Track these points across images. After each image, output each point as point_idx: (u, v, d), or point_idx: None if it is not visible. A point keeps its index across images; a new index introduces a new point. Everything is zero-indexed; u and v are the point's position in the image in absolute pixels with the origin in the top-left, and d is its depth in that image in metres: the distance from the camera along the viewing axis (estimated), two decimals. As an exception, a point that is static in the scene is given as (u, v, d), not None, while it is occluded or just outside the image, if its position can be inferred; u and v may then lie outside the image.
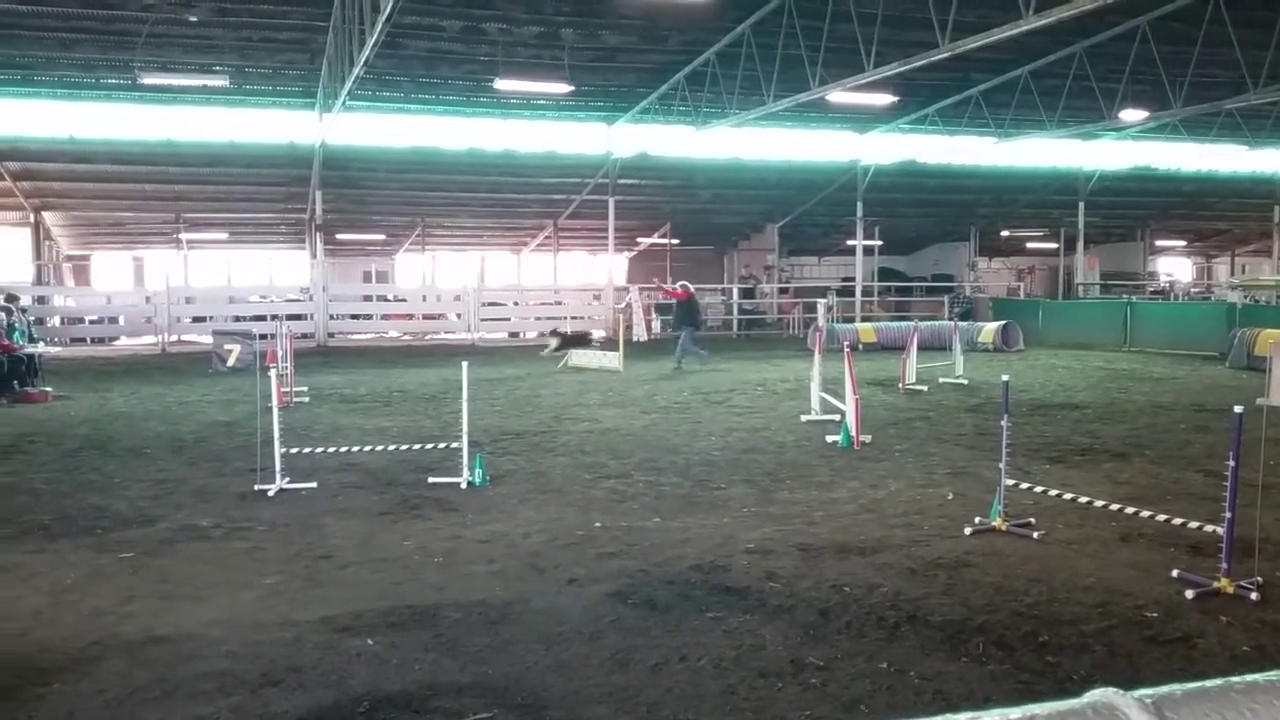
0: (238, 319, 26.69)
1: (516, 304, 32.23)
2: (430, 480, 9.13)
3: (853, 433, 11.15)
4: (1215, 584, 6.09)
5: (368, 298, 32.81)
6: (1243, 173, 35.92)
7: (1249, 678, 0.71)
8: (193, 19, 20.76)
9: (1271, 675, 0.72)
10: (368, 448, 10.23)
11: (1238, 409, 6.20)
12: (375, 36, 16.68)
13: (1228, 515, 6.22)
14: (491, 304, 30.69)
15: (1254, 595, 5.97)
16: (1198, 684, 0.71)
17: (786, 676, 4.78)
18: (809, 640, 5.24)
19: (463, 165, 29.65)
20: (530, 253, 38.86)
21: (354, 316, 30.36)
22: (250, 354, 18.29)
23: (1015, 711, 0.67)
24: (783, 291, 36.52)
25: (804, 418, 12.98)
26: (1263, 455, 7.15)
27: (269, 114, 26.54)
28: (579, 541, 7.20)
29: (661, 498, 8.67)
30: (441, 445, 9.80)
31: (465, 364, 9.45)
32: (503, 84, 23.23)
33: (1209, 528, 6.57)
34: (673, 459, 10.41)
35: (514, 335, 30.36)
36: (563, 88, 23.72)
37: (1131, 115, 25.67)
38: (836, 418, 11.95)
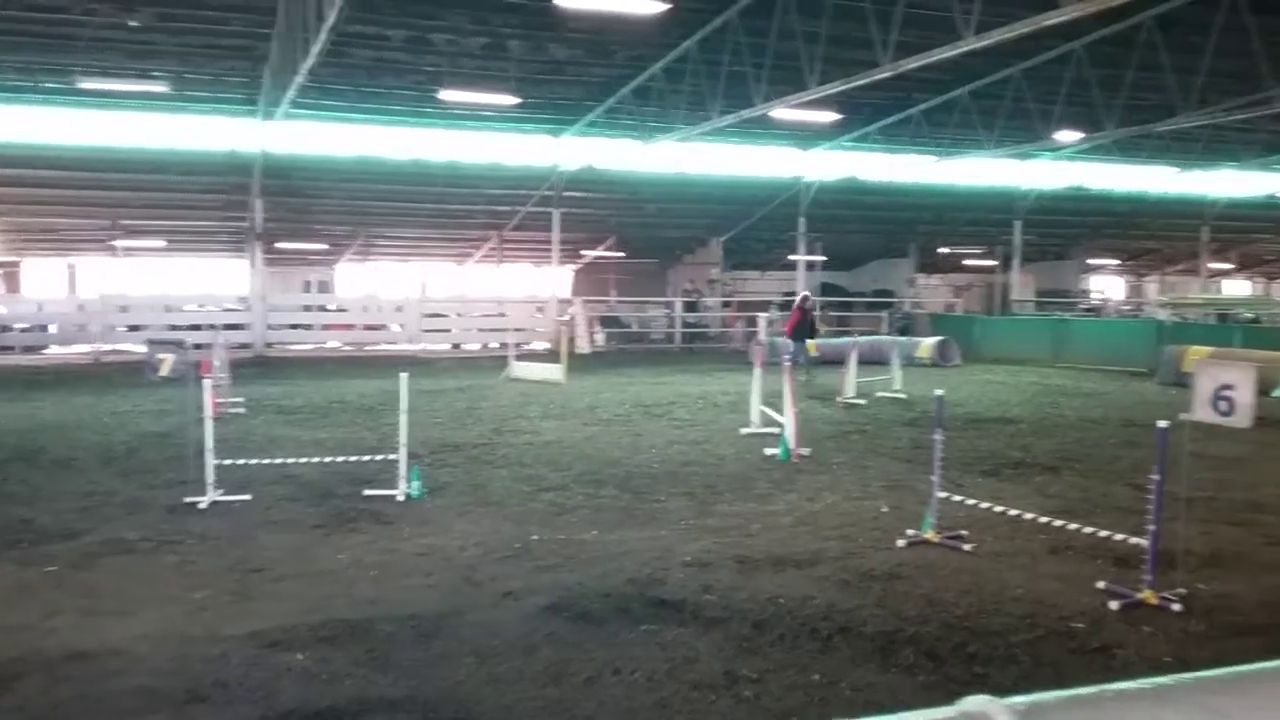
0: (174, 328, 26.16)
1: (460, 315, 32.03)
2: (367, 493, 9.04)
3: (791, 446, 11.25)
4: (1139, 595, 6.24)
5: (308, 308, 32.36)
6: (1172, 194, 36.84)
7: (1121, 684, 0.74)
8: (134, 24, 20.39)
9: (1143, 682, 0.75)
10: (304, 459, 10.10)
11: (1162, 424, 6.36)
12: (319, 44, 16.53)
13: (1152, 528, 6.37)
14: (434, 315, 30.48)
15: (1176, 606, 6.12)
16: (1071, 691, 0.74)
17: (720, 689, 4.80)
18: (743, 652, 5.27)
19: (407, 175, 29.45)
20: (474, 264, 38.68)
21: (293, 326, 29.93)
22: (184, 364, 17.96)
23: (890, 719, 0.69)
24: (726, 305, 36.73)
25: (744, 431, 13.07)
26: (1185, 470, 7.33)
27: (210, 121, 26.16)
28: (516, 554, 7.18)
29: (600, 510, 8.67)
30: (379, 457, 9.72)
31: (404, 375, 9.38)
32: (448, 95, 23.14)
33: (1134, 540, 6.72)
34: (612, 471, 10.42)
35: (456, 347, 30.17)
36: (509, 99, 23.69)
37: (1067, 136, 26.26)
38: (776, 431, 12.05)
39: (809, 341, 20.87)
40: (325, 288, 36.84)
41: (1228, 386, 6.59)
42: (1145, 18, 20.45)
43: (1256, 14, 18.78)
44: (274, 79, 22.40)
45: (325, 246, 35.39)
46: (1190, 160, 31.52)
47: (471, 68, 23.24)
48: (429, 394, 16.97)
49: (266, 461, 9.90)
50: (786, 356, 16.74)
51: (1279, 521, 8.60)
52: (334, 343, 29.71)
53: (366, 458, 9.89)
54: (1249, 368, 7.02)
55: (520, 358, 21.70)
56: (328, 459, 10.14)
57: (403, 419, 9.22)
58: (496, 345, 28.32)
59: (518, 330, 28.21)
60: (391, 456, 9.29)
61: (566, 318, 28.82)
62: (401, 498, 8.90)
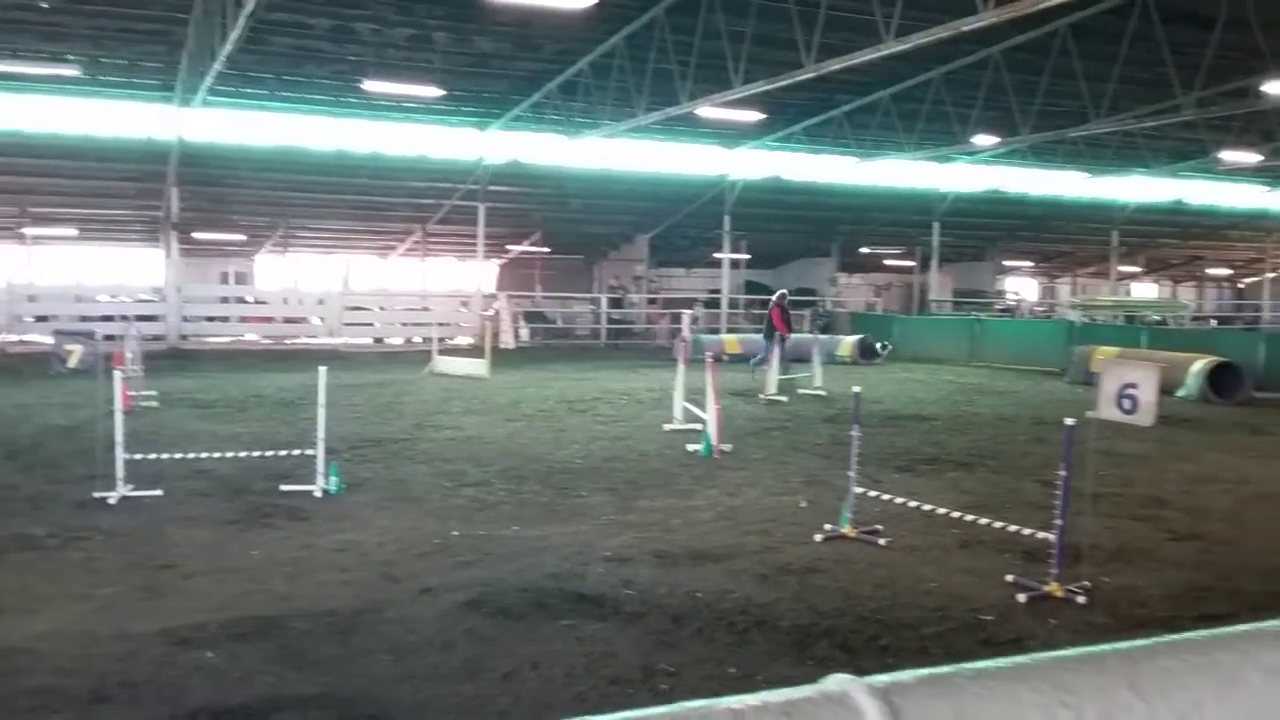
0: (85, 319, 25.44)
1: (382, 309, 31.63)
2: (283, 488, 8.89)
3: (713, 442, 11.34)
4: (1046, 588, 6.42)
5: (225, 299, 31.68)
6: (1084, 199, 37.88)
7: (979, 664, 0.78)
8: (44, 5, 19.73)
9: (1001, 661, 0.78)
10: (218, 454, 9.90)
11: (1069, 422, 6.55)
12: (237, 31, 16.20)
13: (1059, 523, 6.56)
14: (356, 308, 30.07)
15: (1081, 599, 6.31)
16: (929, 670, 0.77)
17: (637, 683, 4.83)
18: (661, 646, 5.31)
19: (329, 166, 28.97)
20: (398, 257, 38.24)
21: (210, 319, 29.29)
22: (93, 355, 17.46)
23: (752, 698, 0.71)
24: (651, 302, 36.85)
25: (667, 427, 13.13)
26: (1091, 466, 7.56)
27: (125, 106, 25.43)
28: (435, 550, 7.13)
29: (522, 506, 8.65)
30: (297, 452, 9.56)
31: (323, 369, 9.24)
32: (372, 85, 22.82)
33: (1042, 535, 6.91)
34: (535, 467, 10.40)
35: (379, 341, 29.80)
36: (434, 91, 23.45)
37: (984, 140, 26.86)
38: (698, 427, 12.13)
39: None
40: (244, 279, 36.08)
41: (1131, 385, 6.80)
42: (1060, 25, 21.01)
43: (1166, 24, 19.41)
44: (191, 65, 21.86)
45: (244, 237, 34.68)
46: (1101, 166, 32.45)
47: (396, 58, 22.96)
48: (350, 388, 16.75)
49: (180, 456, 9.67)
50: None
51: (1181, 517, 8.92)
52: (252, 335, 29.14)
53: (284, 453, 9.72)
54: (1152, 367, 7.25)
55: (444, 352, 21.53)
56: (243, 454, 9.95)
57: (321, 413, 9.09)
58: (420, 340, 28.07)
59: (441, 325, 27.92)
60: (309, 452, 9.14)
61: (491, 313, 28.65)
62: (319, 493, 8.78)
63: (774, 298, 20.73)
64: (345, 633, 5.38)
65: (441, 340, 23.46)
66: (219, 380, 18.46)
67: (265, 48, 21.89)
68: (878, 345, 26.03)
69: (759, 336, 20.91)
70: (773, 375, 17.09)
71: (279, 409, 14.61)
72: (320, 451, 8.98)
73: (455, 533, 7.62)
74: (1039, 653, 0.81)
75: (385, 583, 6.35)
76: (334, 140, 28.09)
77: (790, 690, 0.70)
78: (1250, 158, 28.76)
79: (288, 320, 30.12)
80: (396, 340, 29.91)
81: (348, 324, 28.93)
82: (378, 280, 38.01)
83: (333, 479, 8.91)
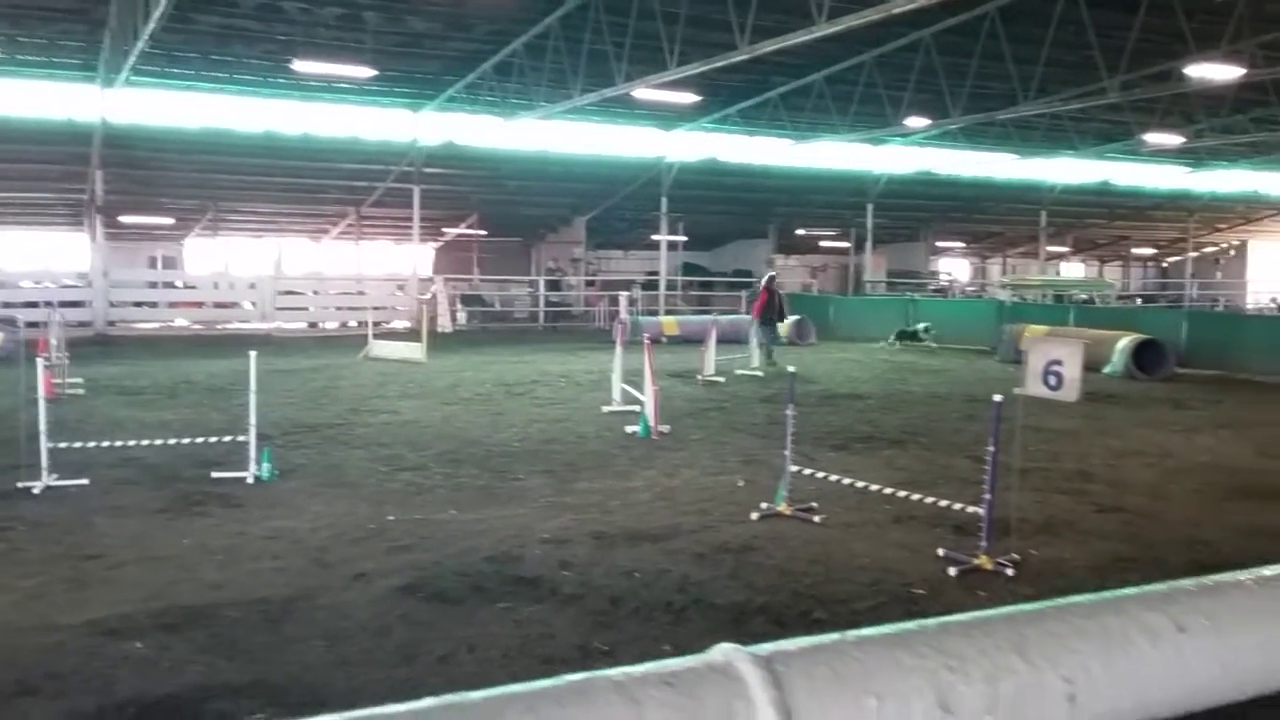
0: (7, 305, 24.72)
1: (316, 293, 31.19)
2: (214, 475, 8.74)
3: (651, 423, 11.38)
4: (976, 561, 6.56)
5: (154, 284, 31.00)
6: (1015, 180, 38.54)
7: (865, 631, 0.79)
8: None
9: (887, 628, 0.80)
10: (147, 442, 9.68)
11: (997, 398, 6.68)
12: (160, 9, 15.80)
13: (987, 497, 6.70)
14: (289, 293, 29.61)
15: (1010, 571, 6.46)
16: (814, 638, 0.78)
17: (573, 663, 4.84)
18: (598, 627, 5.33)
19: (259, 148, 28.40)
20: (332, 241, 37.69)
21: (138, 304, 28.64)
22: (14, 343, 16.99)
23: (636, 669, 0.72)
24: (589, 284, 36.79)
25: (605, 409, 13.14)
26: (1019, 442, 7.72)
27: (45, 87, 24.67)
28: (370, 536, 7.07)
29: (459, 490, 8.61)
30: (228, 439, 9.40)
31: (253, 354, 9.08)
32: (302, 65, 22.43)
33: (972, 509, 7.04)
34: (472, 451, 10.35)
35: (313, 325, 29.40)
36: (366, 72, 23.11)
37: (916, 122, 27.19)
38: (637, 409, 12.16)
39: (783, 324, 20.51)
40: (173, 264, 35.31)
41: (1056, 362, 6.95)
42: (989, 9, 21.31)
43: (1092, 8, 19.79)
44: (114, 44, 21.29)
45: (172, 221, 33.90)
46: (1030, 147, 33.03)
47: (326, 38, 22.57)
48: (283, 374, 16.51)
49: (107, 444, 9.44)
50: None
51: (1106, 490, 9.15)
52: (182, 321, 28.57)
53: (215, 439, 9.55)
54: (1076, 344, 7.42)
55: (380, 337, 21.31)
56: (173, 441, 9.74)
57: (252, 398, 8.94)
58: (355, 324, 27.74)
59: (377, 309, 27.62)
60: (241, 438, 9.00)
61: (428, 296, 28.40)
62: (251, 480, 8.64)
63: (764, 281, 20.45)
64: (277, 620, 5.32)
65: (377, 324, 23.23)
66: (147, 367, 18.07)
67: (191, 26, 21.36)
68: (920, 327, 24.52)
69: (697, 318, 20.93)
70: (710, 356, 17.14)
71: (210, 395, 14.35)
72: (252, 437, 8.85)
73: (391, 517, 7.57)
74: (928, 618, 0.83)
75: (319, 569, 6.28)
76: (264, 122, 27.55)
77: (675, 660, 0.71)
78: (1173, 139, 29.51)
79: (218, 305, 29.57)
80: (331, 325, 29.53)
81: (281, 308, 28.48)
82: (312, 264, 37.45)
83: (265, 465, 8.78)
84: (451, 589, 5.87)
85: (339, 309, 30.62)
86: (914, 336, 24.34)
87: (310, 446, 10.46)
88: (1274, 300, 44.45)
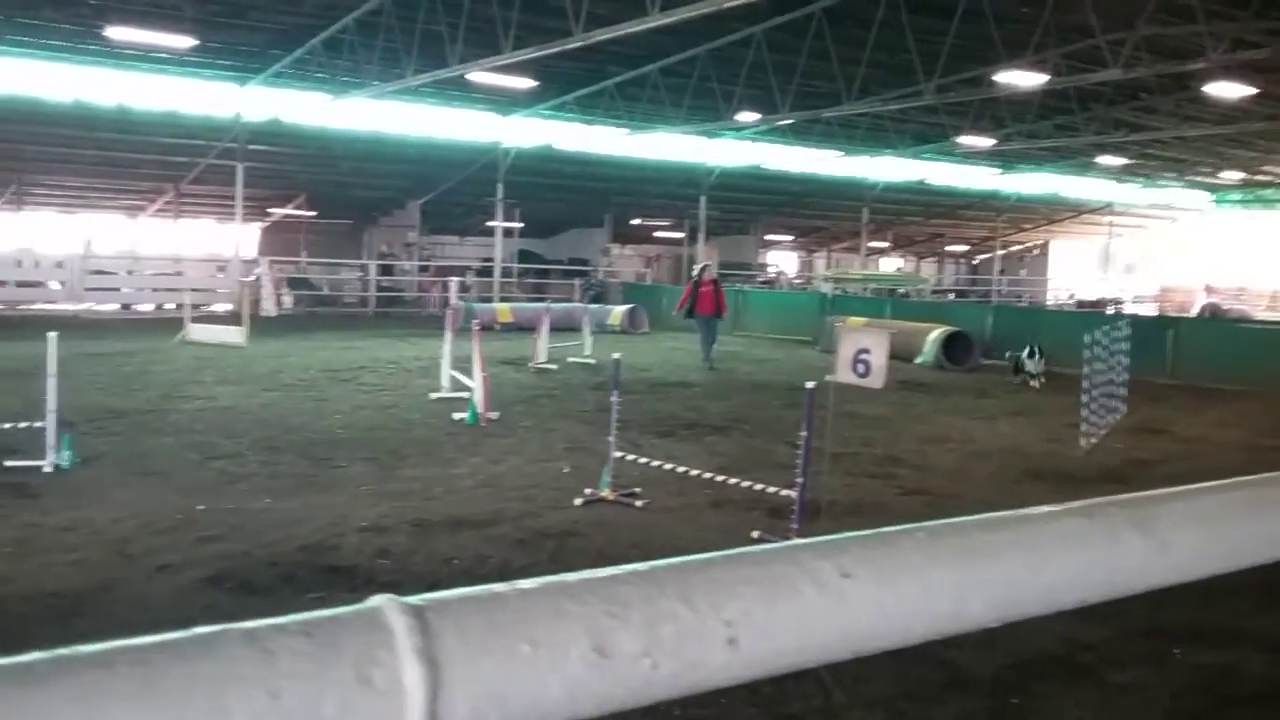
0: None
1: (130, 273, 29.59)
2: (7, 464, 8.24)
3: (480, 410, 11.33)
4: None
5: (-53, 261, 28.78)
6: (839, 177, 39.87)
7: (529, 581, 0.84)
8: None
9: (551, 579, 0.85)
10: (-69, 429, 9.05)
11: (809, 385, 6.97)
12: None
13: (800, 481, 6.99)
14: (100, 272, 28.01)
15: (817, 551, 6.75)
16: (476, 589, 0.83)
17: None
18: (412, 613, 5.30)
19: (68, 118, 26.67)
20: (149, 218, 35.79)
21: (-73, 283, 26.58)
22: None
23: (280, 620, 0.75)
24: (423, 269, 36.20)
25: (433, 395, 13.00)
26: (831, 428, 8.05)
27: None
28: (177, 526, 6.81)
29: (276, 478, 8.38)
30: (24, 425, 8.86)
31: (52, 335, 8.59)
32: (115, 32, 21.18)
33: (786, 492, 7.31)
34: (292, 438, 10.08)
35: (126, 307, 27.91)
36: (186, 41, 21.99)
37: (747, 117, 27.82)
38: (466, 396, 12.08)
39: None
40: (-32, 240, 32.86)
41: (865, 351, 7.29)
42: (816, 9, 21.97)
43: (912, 13, 20.66)
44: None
45: (-32, 193, 31.57)
46: (854, 146, 34.23)
47: (142, 4, 21.34)
48: (92, 357, 15.63)
49: (-117, 432, 8.79)
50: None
51: (912, 474, 9.66)
52: (-22, 301, 26.65)
53: (9, 425, 8.99)
54: (883, 333, 7.79)
55: (199, 320, 20.44)
56: (-39, 428, 9.14)
57: (51, 382, 8.46)
58: (172, 306, 26.49)
59: (196, 290, 26.43)
60: (39, 424, 8.51)
61: (251, 278, 27.37)
62: (49, 468, 8.19)
63: (696, 271, 19.87)
64: (68, 615, 5.08)
65: (196, 307, 22.23)
66: (-64, 349, 16.80)
67: (-9, -15, 19.92)
68: (1026, 353, 17.10)
69: (531, 305, 20.85)
70: (542, 343, 17.17)
71: (7, 379, 13.45)
72: (51, 423, 8.38)
73: (201, 507, 7.31)
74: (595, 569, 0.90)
75: (118, 561, 6.02)
76: (75, 91, 25.88)
77: (326, 611, 0.75)
78: (984, 141, 31.16)
79: (21, 285, 27.69)
80: (146, 307, 28.11)
81: (91, 289, 26.95)
82: (126, 242, 35.49)
83: (65, 453, 8.33)
84: (260, 579, 5.74)
85: (155, 290, 29.16)
86: (1019, 368, 17.27)
87: (117, 434, 9.99)
88: (1072, 296, 47.64)
